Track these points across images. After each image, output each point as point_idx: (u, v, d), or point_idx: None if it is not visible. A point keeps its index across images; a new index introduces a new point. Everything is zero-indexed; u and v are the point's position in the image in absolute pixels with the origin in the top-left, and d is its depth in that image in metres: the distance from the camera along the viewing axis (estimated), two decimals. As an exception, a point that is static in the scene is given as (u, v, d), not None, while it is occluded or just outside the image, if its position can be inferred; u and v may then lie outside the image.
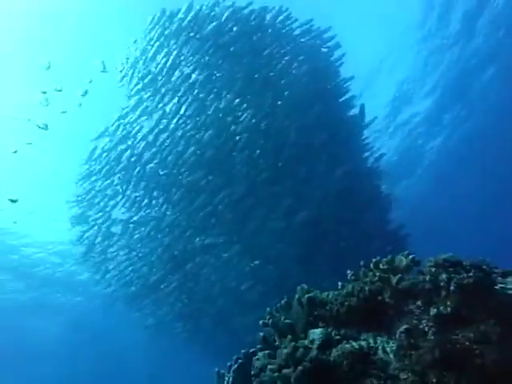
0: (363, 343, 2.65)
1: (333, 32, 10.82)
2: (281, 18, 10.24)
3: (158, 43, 10.22)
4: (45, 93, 11.01)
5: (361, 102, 11.15)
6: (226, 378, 3.40)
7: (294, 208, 9.63)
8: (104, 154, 11.22)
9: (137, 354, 28.45)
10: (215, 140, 9.57)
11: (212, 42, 9.88)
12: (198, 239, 10.24)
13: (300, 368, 2.35)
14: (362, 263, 3.51)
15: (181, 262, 10.77)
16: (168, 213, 10.30)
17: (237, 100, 9.71)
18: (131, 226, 11.34)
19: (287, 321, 2.90)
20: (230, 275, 10.80)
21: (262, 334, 3.01)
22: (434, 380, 2.27)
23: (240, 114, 9.69)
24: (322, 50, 10.74)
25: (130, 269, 12.84)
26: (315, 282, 4.17)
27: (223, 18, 9.91)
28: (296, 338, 2.75)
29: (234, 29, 9.90)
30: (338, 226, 9.83)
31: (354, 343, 2.58)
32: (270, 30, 10.22)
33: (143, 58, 10.51)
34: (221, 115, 9.67)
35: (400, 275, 2.98)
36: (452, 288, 2.73)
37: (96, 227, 12.02)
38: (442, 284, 2.80)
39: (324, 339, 2.63)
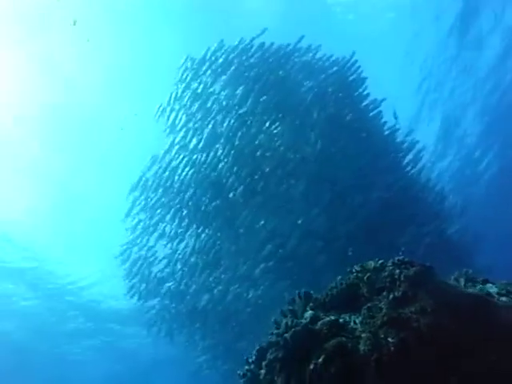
0: (340, 319, 3.85)
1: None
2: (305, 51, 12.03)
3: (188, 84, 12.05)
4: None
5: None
6: (251, 360, 4.60)
7: (331, 228, 10.58)
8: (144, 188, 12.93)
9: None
10: (245, 168, 10.94)
11: (242, 79, 11.62)
12: (238, 267, 11.30)
13: (293, 329, 3.58)
14: (348, 269, 4.73)
15: (220, 293, 11.92)
16: (204, 237, 11.57)
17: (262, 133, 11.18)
18: (171, 258, 12.82)
19: (290, 307, 4.14)
20: (271, 305, 11.71)
21: (273, 319, 4.25)
22: (382, 335, 3.42)
23: (269, 142, 11.09)
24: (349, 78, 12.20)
25: (171, 305, 14.07)
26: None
27: (251, 56, 11.70)
28: (295, 317, 3.98)
29: (263, 66, 11.64)
30: (377, 245, 10.64)
31: (332, 317, 3.78)
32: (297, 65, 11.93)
33: (178, 95, 12.25)
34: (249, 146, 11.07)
35: (369, 273, 4.17)
36: (401, 278, 3.89)
37: (139, 263, 13.61)
38: (396, 277, 3.96)
39: (313, 316, 3.85)
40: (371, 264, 4.27)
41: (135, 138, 18.36)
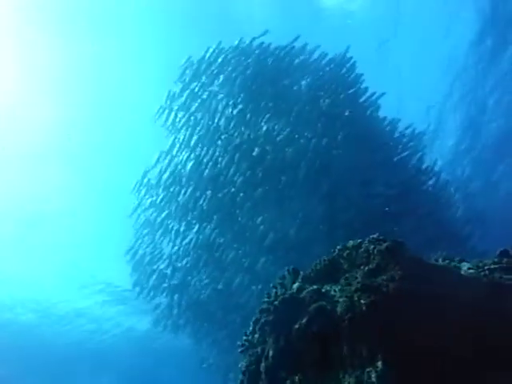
0: (322, 289, 4.44)
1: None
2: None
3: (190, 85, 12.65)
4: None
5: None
6: (248, 332, 5.19)
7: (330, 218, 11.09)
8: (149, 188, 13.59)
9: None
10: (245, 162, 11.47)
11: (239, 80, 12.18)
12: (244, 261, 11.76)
13: (281, 297, 4.19)
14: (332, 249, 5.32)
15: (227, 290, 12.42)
16: (207, 231, 12.14)
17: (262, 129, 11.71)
18: (176, 254, 13.41)
19: (279, 281, 4.75)
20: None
21: (268, 292, 4.86)
22: (356, 298, 4.01)
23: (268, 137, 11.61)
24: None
25: (175, 300, 14.46)
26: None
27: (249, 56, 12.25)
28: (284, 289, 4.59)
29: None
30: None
31: (315, 287, 4.38)
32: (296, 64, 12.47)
33: (181, 97, 12.81)
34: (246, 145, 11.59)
35: (348, 251, 4.76)
36: (375, 252, 4.47)
37: (145, 259, 14.21)
38: (370, 251, 4.55)
39: (299, 287, 4.45)
40: (351, 243, 4.87)
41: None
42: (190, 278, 13.27)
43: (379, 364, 3.54)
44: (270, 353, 4.04)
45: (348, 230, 10.65)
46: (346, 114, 12.04)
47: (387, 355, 3.60)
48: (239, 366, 4.55)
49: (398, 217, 11.64)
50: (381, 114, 13.36)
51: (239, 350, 5.14)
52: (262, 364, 4.09)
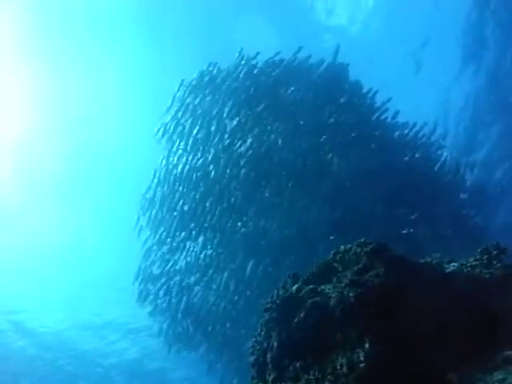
0: (318, 288, 5.08)
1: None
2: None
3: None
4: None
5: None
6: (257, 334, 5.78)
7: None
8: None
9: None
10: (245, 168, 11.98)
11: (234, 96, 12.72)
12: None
13: (282, 296, 4.83)
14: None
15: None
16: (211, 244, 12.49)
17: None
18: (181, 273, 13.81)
19: (281, 285, 5.39)
20: None
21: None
22: (346, 292, 4.63)
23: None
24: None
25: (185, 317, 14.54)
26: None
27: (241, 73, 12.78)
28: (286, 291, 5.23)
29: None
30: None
31: (311, 286, 5.02)
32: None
33: (179, 112, 13.41)
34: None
35: (340, 254, 5.41)
36: (362, 253, 5.11)
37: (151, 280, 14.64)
38: (358, 253, 5.19)
39: (297, 287, 5.09)
40: (342, 247, 5.53)
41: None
42: (196, 293, 13.52)
43: (366, 345, 4.12)
44: (275, 344, 4.64)
45: (358, 234, 10.90)
46: (332, 120, 12.39)
47: (373, 338, 4.19)
48: (249, 361, 5.13)
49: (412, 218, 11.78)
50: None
51: (249, 352, 5.72)
52: (268, 355, 4.69)
